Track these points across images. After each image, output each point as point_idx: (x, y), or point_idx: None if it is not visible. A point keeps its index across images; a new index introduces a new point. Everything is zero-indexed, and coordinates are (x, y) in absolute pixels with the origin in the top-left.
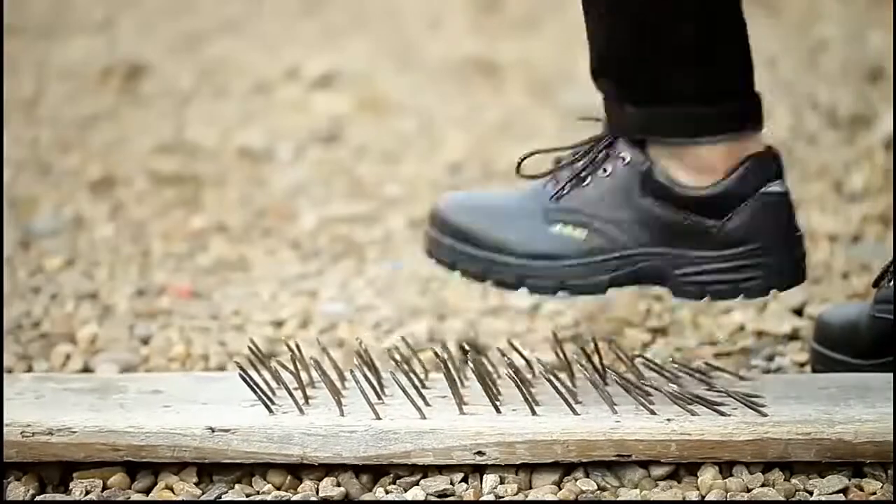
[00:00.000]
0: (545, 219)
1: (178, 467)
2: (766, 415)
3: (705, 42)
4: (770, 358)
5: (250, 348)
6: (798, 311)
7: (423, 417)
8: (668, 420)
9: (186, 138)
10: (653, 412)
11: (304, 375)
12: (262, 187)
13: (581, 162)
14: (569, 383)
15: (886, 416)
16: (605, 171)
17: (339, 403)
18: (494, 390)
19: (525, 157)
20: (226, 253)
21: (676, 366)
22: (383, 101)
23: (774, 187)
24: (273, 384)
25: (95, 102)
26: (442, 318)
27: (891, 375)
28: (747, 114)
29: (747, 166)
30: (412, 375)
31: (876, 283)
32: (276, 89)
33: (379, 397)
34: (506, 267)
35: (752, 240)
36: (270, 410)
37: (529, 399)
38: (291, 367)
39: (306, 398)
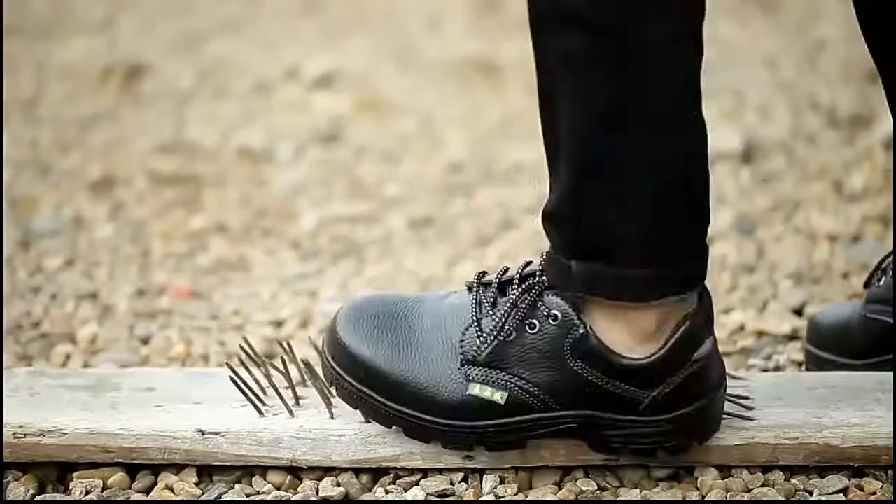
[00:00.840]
0: (464, 376)
1: (178, 467)
2: (752, 419)
3: (671, 206)
4: (769, 357)
5: (242, 347)
6: (798, 311)
7: None
8: None
9: (186, 138)
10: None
11: (296, 375)
12: (262, 187)
13: (505, 312)
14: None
15: (875, 420)
16: (531, 326)
17: (330, 406)
18: None
19: (479, 276)
20: (226, 253)
21: None
22: (383, 101)
23: (707, 346)
24: (264, 384)
25: (95, 102)
26: None
27: (880, 375)
28: (701, 273)
29: (684, 330)
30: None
31: (867, 284)
32: (276, 89)
33: None
34: (416, 421)
35: (680, 406)
36: (260, 412)
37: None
38: (281, 367)
39: (297, 399)
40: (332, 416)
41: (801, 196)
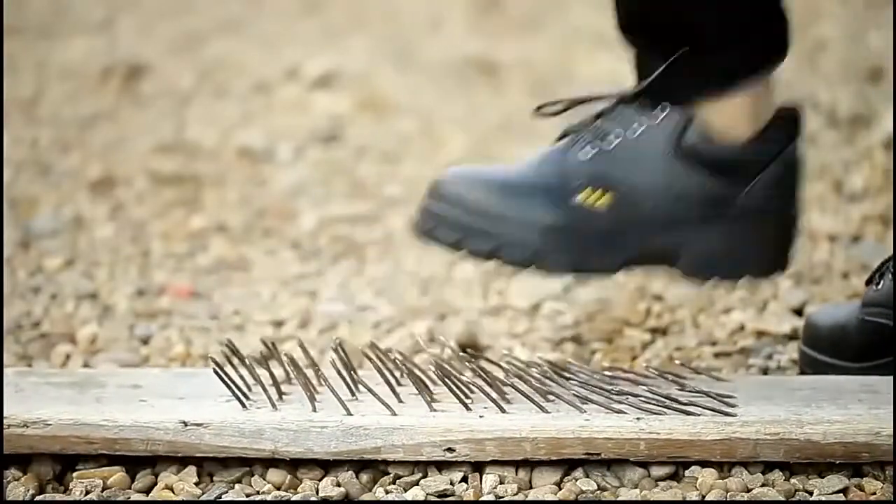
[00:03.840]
0: (567, 188)
1: (179, 467)
2: (734, 415)
3: None
4: (769, 357)
5: (227, 346)
6: (798, 311)
7: (394, 414)
8: (637, 419)
9: (186, 138)
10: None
11: (281, 374)
12: (262, 187)
13: (605, 120)
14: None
15: (855, 417)
16: (633, 130)
17: (313, 399)
18: (463, 389)
19: (551, 104)
20: (226, 253)
21: (650, 369)
22: (383, 101)
23: (791, 152)
24: (250, 381)
25: (95, 102)
26: (442, 317)
27: (864, 379)
28: (783, 37)
29: (774, 128)
30: (386, 372)
31: (868, 282)
32: (276, 89)
33: (353, 394)
34: (520, 240)
35: (766, 212)
36: (244, 406)
37: (497, 397)
38: (265, 363)
39: (280, 394)
40: (314, 409)
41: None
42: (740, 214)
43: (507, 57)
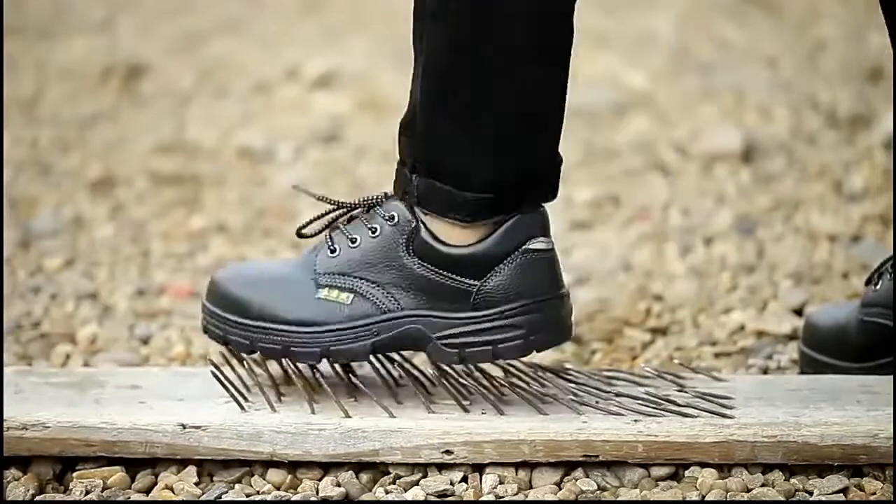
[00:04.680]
0: (314, 284)
1: (178, 467)
2: (732, 417)
3: (512, 132)
4: (769, 357)
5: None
6: (798, 311)
7: (392, 416)
8: (635, 421)
9: (186, 138)
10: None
11: (279, 375)
12: (262, 187)
13: (352, 223)
14: (534, 385)
15: (853, 420)
16: (373, 231)
17: (311, 401)
18: (461, 390)
19: (305, 225)
20: (226, 253)
21: (648, 370)
22: (383, 101)
23: (537, 244)
24: (248, 382)
25: (95, 102)
26: None
27: (862, 379)
28: (538, 193)
29: (511, 224)
30: (385, 374)
31: (868, 282)
32: (276, 89)
33: (351, 396)
34: (272, 335)
35: (510, 300)
36: (242, 408)
37: (495, 399)
38: (263, 364)
39: (279, 396)
40: (313, 412)
41: (801, 196)
42: (481, 306)
43: None
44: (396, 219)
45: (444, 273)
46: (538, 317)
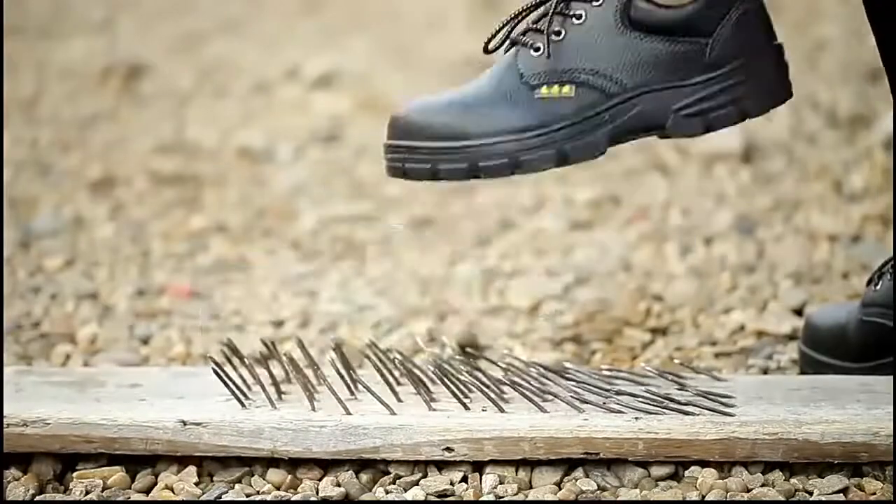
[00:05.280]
0: (527, 88)
1: (179, 467)
2: (732, 415)
3: None
4: (769, 357)
5: (227, 345)
6: (798, 311)
7: (393, 413)
8: (636, 418)
9: (186, 138)
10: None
11: (280, 373)
12: (262, 187)
13: (548, 18)
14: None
15: (854, 417)
16: (577, 17)
17: (312, 399)
18: (461, 388)
19: (493, 36)
20: (226, 253)
21: (648, 369)
22: (383, 101)
23: None
24: (249, 380)
25: (95, 102)
26: (442, 317)
27: (863, 378)
28: None
29: None
30: (385, 372)
31: (869, 282)
32: (276, 89)
33: (352, 393)
34: (496, 149)
35: (747, 51)
36: (243, 405)
37: (496, 397)
38: (264, 362)
39: (280, 394)
40: (313, 409)
41: (801, 196)
42: (716, 65)
43: None
44: (600, 1)
45: (673, 38)
46: (772, 64)
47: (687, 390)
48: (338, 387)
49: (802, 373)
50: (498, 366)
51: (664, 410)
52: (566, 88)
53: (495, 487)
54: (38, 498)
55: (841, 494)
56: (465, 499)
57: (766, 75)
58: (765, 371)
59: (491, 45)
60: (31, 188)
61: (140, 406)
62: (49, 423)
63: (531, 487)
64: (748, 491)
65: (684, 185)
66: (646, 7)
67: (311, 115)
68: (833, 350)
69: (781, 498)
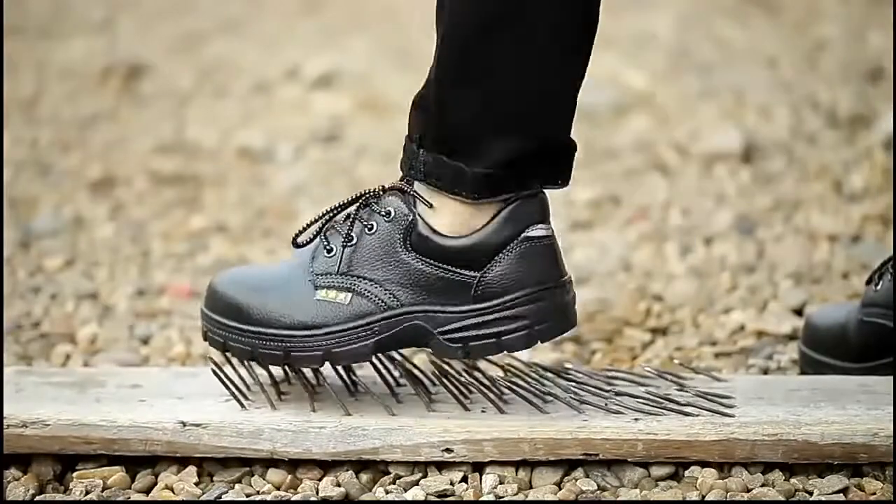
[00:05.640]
0: (311, 287)
1: (179, 467)
2: (732, 415)
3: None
4: (770, 357)
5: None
6: (798, 311)
7: (392, 414)
8: (636, 420)
9: (186, 138)
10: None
11: (280, 373)
12: (262, 187)
13: (348, 221)
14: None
15: (854, 419)
16: (369, 228)
17: (311, 400)
18: (461, 389)
19: (300, 232)
20: (226, 253)
21: (649, 370)
22: (383, 101)
23: (536, 231)
24: (249, 381)
25: (95, 102)
26: None
27: (862, 379)
28: (549, 174)
29: (509, 211)
30: (385, 373)
31: (868, 282)
32: (276, 89)
33: (352, 394)
34: (271, 341)
35: (512, 290)
36: (243, 406)
37: (495, 398)
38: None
39: (279, 394)
40: (313, 410)
41: (801, 196)
42: (483, 297)
43: None
44: (393, 214)
45: (444, 266)
46: (542, 306)
47: (687, 391)
48: (337, 388)
49: (802, 373)
50: (498, 366)
51: (664, 411)
52: (342, 296)
53: (495, 487)
54: (38, 498)
55: (841, 494)
56: (465, 499)
57: (539, 313)
58: (765, 371)
59: (300, 240)
60: (31, 188)
61: (140, 407)
62: (49, 425)
63: (531, 487)
64: (748, 491)
65: (684, 185)
66: (425, 233)
67: (310, 115)
68: (833, 350)
69: (781, 498)
